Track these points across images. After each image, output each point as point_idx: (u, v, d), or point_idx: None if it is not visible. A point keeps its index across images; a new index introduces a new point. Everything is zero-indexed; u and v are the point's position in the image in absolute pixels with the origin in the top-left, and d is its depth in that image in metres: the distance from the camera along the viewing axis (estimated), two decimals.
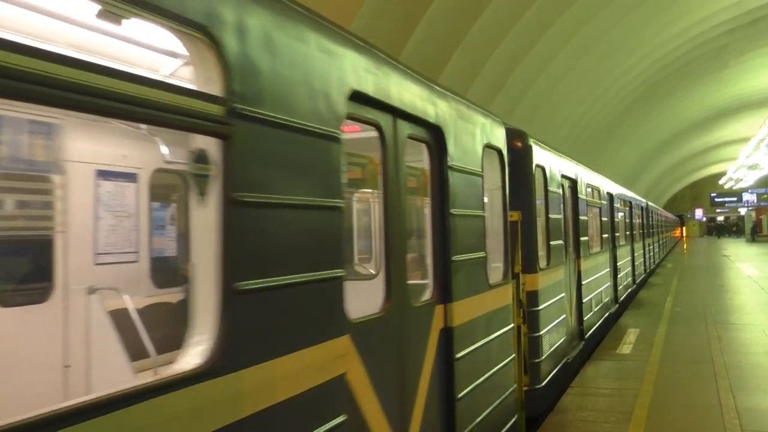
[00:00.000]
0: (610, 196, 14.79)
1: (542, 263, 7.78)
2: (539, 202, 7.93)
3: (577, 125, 28.04)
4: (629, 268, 17.99)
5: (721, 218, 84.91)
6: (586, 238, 10.98)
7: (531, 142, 7.75)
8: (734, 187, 73.57)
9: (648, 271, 24.80)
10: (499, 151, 6.02)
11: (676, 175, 71.32)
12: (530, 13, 16.55)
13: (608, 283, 13.59)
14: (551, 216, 8.31)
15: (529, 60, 19.13)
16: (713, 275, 25.79)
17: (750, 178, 62.60)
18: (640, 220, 22.81)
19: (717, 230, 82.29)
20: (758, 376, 8.89)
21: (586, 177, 11.66)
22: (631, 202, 19.39)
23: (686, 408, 7.51)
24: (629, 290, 17.66)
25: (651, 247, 27.49)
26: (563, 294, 8.95)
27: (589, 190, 11.91)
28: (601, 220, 13.10)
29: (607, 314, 13.10)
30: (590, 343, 11.03)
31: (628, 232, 18.27)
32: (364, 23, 11.26)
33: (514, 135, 7.43)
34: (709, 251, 46.11)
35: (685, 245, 58.50)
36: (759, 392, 8.10)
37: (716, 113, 43.93)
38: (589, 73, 24.09)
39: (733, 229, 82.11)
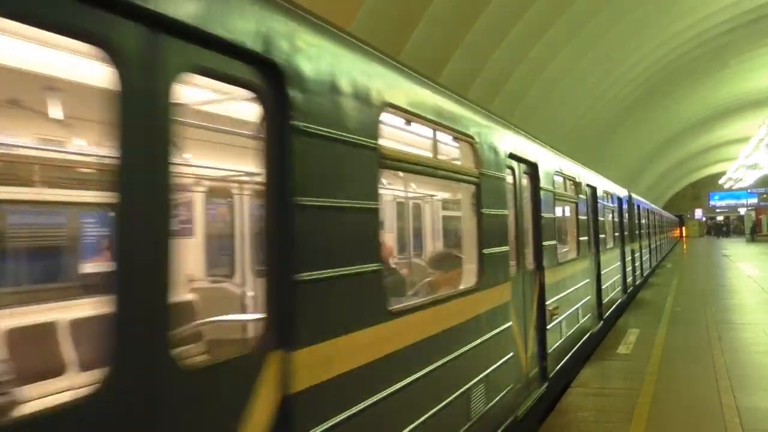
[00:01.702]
0: (534, 170, 8.00)
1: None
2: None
3: (578, 126, 28.04)
4: (587, 299, 10.98)
5: (720, 218, 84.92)
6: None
7: None
8: (734, 187, 73.61)
9: (631, 289, 18.23)
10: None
11: (677, 175, 71.36)
12: (529, 14, 16.56)
13: (523, 345, 6.94)
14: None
15: (529, 61, 19.14)
16: (713, 275, 25.78)
17: (750, 178, 62.61)
18: (616, 219, 16.00)
19: (715, 230, 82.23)
20: (759, 376, 8.89)
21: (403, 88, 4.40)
22: (594, 190, 12.84)
23: (687, 408, 7.51)
24: (590, 333, 11.01)
25: (636, 255, 19.86)
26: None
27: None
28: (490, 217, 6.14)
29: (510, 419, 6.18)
30: None
31: (584, 237, 11.08)
32: (363, 24, 11.27)
33: None
34: (708, 251, 46.08)
35: (684, 246, 58.47)
36: (760, 392, 8.10)
37: (716, 113, 43.97)
38: (589, 74, 24.10)
39: (723, 229, 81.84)
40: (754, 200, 73.99)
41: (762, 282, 21.52)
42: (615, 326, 13.30)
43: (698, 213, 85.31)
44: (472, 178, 5.60)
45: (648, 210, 27.18)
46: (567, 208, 10.34)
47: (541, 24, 17.73)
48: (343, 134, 3.41)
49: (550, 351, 7.97)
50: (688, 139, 51.10)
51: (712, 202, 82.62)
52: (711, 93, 38.06)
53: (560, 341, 8.63)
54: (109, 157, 2.13)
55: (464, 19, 14.70)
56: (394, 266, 6.60)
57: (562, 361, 8.70)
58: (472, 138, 5.64)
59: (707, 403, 7.63)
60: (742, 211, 77.76)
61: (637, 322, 13.86)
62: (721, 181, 74.58)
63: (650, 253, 26.51)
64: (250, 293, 5.63)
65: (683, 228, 78.33)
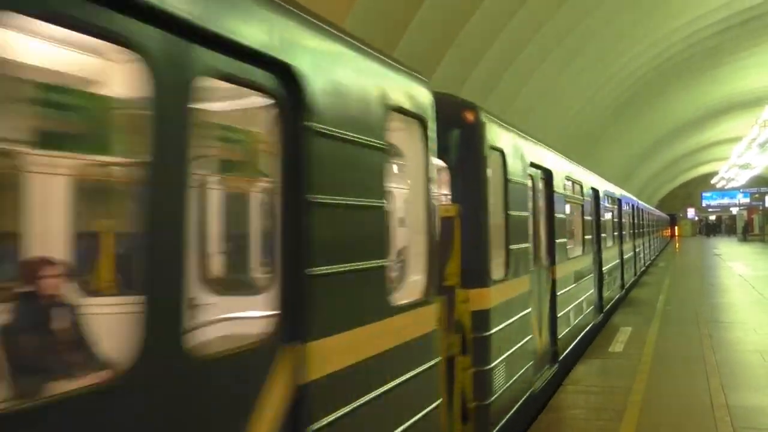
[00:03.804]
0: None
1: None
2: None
3: (570, 125, 28.12)
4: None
5: (713, 218, 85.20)
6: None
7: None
8: (726, 187, 73.91)
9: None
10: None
11: (669, 175, 71.56)
12: (522, 12, 16.60)
13: None
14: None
15: (522, 60, 19.18)
16: (705, 274, 25.90)
17: (742, 178, 62.90)
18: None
19: (707, 230, 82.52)
20: (749, 374, 8.96)
21: None
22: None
23: (678, 406, 7.55)
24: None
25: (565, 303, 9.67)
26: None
27: None
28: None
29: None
30: None
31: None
32: (356, 23, 11.27)
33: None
34: (701, 250, 46.27)
35: (677, 245, 58.70)
36: (750, 390, 8.16)
37: (709, 113, 44.15)
38: (582, 73, 24.17)
39: (715, 228, 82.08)
40: (746, 200, 74.21)
41: (753, 281, 21.63)
42: (607, 324, 13.33)
43: (690, 212, 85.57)
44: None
45: (613, 197, 16.83)
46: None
47: (533, 24, 17.78)
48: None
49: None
50: (681, 139, 51.28)
51: (704, 202, 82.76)
52: (703, 93, 38.24)
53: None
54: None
55: (456, 20, 14.74)
56: None
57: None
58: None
59: (698, 401, 7.67)
60: (735, 210, 78.01)
61: (629, 320, 13.92)
62: (713, 181, 74.86)
63: (608, 279, 14.88)
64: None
65: (675, 227, 78.47)
